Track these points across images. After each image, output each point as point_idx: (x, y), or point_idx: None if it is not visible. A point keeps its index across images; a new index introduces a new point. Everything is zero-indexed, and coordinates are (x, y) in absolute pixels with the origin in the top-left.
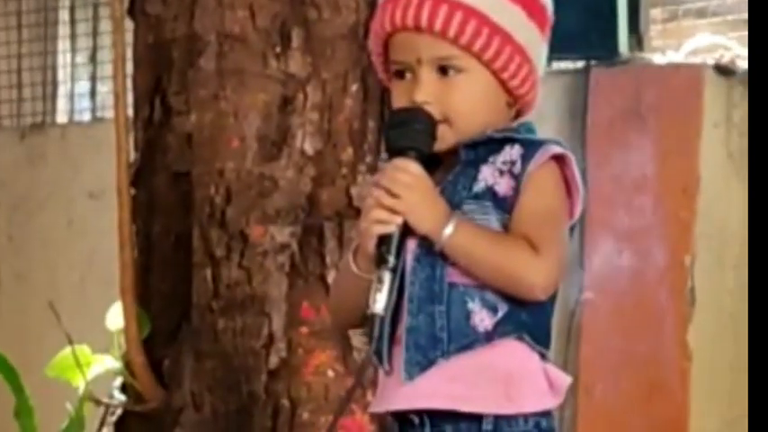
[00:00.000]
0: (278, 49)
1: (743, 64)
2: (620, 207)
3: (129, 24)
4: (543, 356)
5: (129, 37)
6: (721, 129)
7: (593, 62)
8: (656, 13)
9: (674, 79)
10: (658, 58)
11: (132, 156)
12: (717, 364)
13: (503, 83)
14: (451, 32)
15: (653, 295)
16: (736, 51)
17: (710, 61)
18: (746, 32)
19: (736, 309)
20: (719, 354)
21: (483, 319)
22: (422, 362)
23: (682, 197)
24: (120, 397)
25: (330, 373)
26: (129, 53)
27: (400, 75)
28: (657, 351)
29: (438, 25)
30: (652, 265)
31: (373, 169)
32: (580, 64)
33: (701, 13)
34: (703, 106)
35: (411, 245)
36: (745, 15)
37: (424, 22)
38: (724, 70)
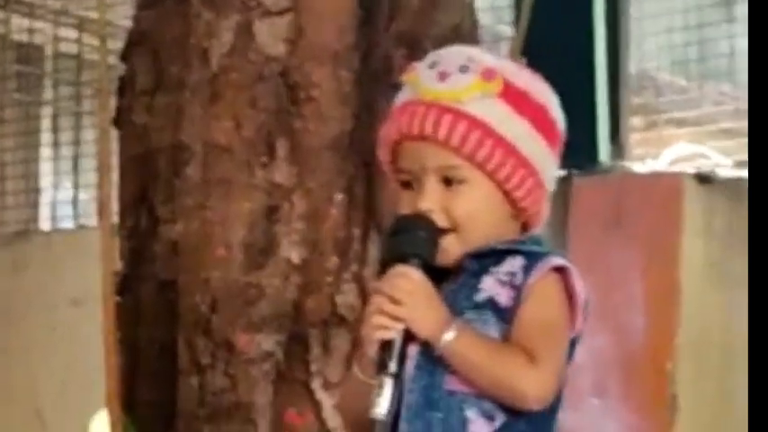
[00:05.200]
0: (263, 159)
1: (723, 173)
2: (601, 315)
3: (112, 133)
4: None
5: (113, 145)
6: (701, 238)
7: (574, 171)
8: (636, 121)
9: (655, 188)
10: (639, 167)
11: (117, 263)
12: None
13: (506, 194)
14: (455, 141)
15: (636, 403)
16: (716, 160)
17: (690, 170)
18: (726, 142)
19: (717, 417)
20: None
21: (481, 428)
22: None
23: (663, 305)
24: None
25: None
26: (113, 161)
27: (407, 185)
28: None
29: (442, 134)
30: (635, 373)
31: (358, 278)
32: (561, 172)
33: (681, 123)
34: (683, 215)
35: (412, 351)
36: (724, 125)
37: (428, 130)
38: (704, 179)
